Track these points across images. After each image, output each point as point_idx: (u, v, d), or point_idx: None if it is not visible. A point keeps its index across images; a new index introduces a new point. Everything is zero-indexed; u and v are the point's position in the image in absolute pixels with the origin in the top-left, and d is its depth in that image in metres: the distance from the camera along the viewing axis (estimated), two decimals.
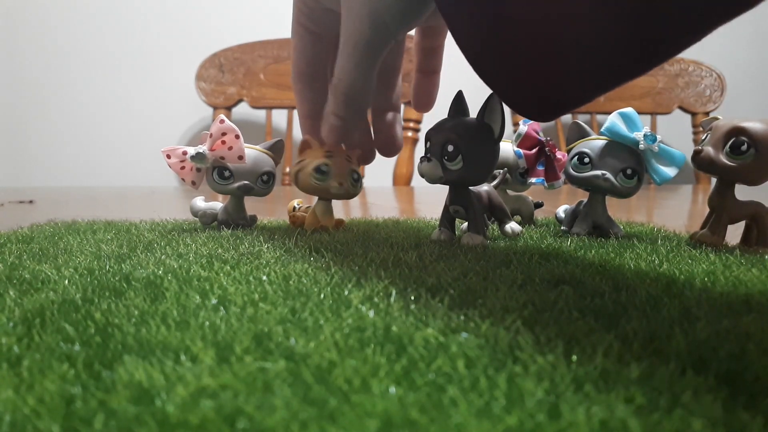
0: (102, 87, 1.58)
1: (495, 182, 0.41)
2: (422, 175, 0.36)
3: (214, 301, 0.21)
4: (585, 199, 0.42)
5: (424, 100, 0.42)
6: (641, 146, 0.38)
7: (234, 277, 0.25)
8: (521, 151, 0.43)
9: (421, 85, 0.42)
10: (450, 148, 0.34)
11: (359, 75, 0.34)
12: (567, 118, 1.52)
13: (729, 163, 0.34)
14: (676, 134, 1.43)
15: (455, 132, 0.34)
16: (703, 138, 0.36)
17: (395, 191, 1.10)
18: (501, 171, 0.43)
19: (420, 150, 1.37)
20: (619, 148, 0.38)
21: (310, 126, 0.41)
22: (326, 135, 0.38)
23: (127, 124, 1.58)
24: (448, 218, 0.38)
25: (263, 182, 0.43)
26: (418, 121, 1.34)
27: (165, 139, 1.53)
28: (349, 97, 0.35)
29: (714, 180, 0.37)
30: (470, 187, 0.36)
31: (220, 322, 0.19)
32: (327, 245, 0.34)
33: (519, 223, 0.44)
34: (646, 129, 0.38)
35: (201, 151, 0.41)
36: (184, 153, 0.42)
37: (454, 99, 0.35)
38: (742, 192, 0.36)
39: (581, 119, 1.37)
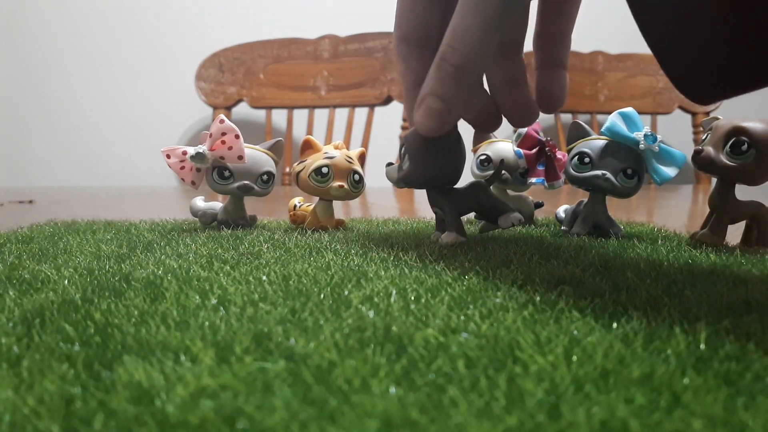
0: (102, 87, 1.58)
1: (488, 178, 0.40)
2: (387, 179, 0.37)
3: (213, 301, 0.21)
4: (585, 199, 0.42)
5: (549, 101, 0.34)
6: (641, 146, 0.38)
7: (234, 277, 0.25)
8: (521, 151, 0.43)
9: (545, 83, 0.34)
10: (402, 149, 0.35)
11: (481, 44, 0.26)
12: (567, 118, 1.52)
13: (729, 163, 0.34)
14: (676, 134, 1.42)
15: (409, 133, 0.34)
16: (704, 138, 0.36)
17: (395, 191, 1.10)
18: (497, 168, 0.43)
19: None
20: (620, 148, 0.38)
21: (414, 99, 0.33)
22: (422, 120, 0.30)
23: (126, 124, 1.58)
24: (439, 220, 0.38)
25: (263, 182, 0.43)
26: None
27: (165, 139, 1.53)
28: (461, 72, 0.27)
29: (714, 180, 0.37)
30: (456, 187, 0.37)
31: (220, 322, 0.19)
32: (327, 245, 0.34)
33: None
34: (647, 129, 0.38)
35: (201, 151, 0.41)
36: (184, 153, 0.42)
37: None
38: (743, 192, 0.36)
39: (581, 119, 1.37)
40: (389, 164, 0.37)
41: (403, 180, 0.35)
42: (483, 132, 0.38)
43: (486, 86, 0.34)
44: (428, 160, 0.34)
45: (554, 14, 0.33)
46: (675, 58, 0.23)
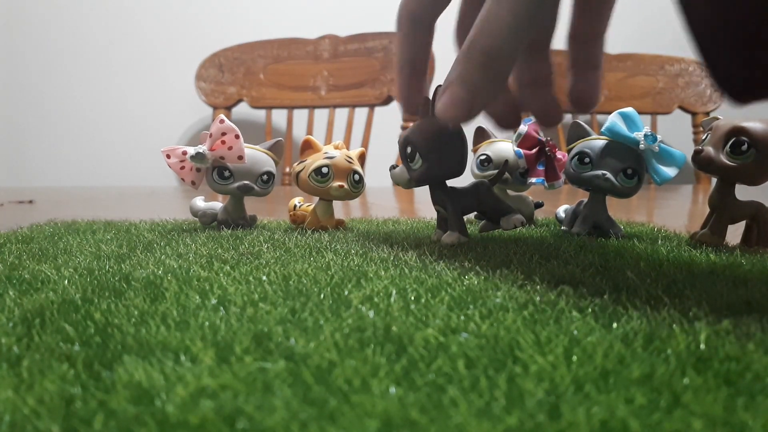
0: (102, 87, 1.58)
1: (491, 178, 0.40)
2: (394, 183, 0.37)
3: (213, 301, 0.21)
4: (585, 199, 0.42)
5: (585, 101, 0.33)
6: (641, 146, 0.38)
7: (234, 277, 0.25)
8: (521, 151, 0.43)
9: (580, 84, 0.33)
10: (408, 149, 0.34)
11: (514, 32, 0.25)
12: (567, 117, 1.52)
13: (729, 163, 0.34)
14: (676, 134, 1.42)
15: (411, 133, 0.34)
16: (704, 138, 0.36)
17: (395, 191, 1.10)
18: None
19: None
20: (620, 147, 0.38)
21: (408, 75, 0.33)
22: (445, 108, 0.28)
23: (126, 124, 1.58)
24: (441, 218, 0.38)
25: (263, 182, 0.43)
26: None
27: (165, 139, 1.53)
28: (490, 60, 0.26)
29: (714, 180, 0.37)
30: (459, 186, 0.37)
31: (220, 322, 0.19)
32: (327, 245, 0.34)
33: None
34: (647, 129, 0.38)
35: (201, 151, 0.41)
36: (184, 153, 0.42)
37: (423, 101, 0.35)
38: (743, 192, 0.36)
39: (581, 119, 1.37)
40: (393, 167, 0.37)
41: (420, 179, 0.35)
42: (502, 129, 0.37)
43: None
44: (441, 156, 0.34)
45: (590, 14, 0.33)
46: (718, 54, 0.22)
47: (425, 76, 0.34)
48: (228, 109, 1.43)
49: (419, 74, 0.34)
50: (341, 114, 1.43)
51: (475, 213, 0.43)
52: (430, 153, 0.34)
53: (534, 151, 0.43)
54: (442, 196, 0.36)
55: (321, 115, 1.44)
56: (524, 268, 0.27)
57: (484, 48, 0.26)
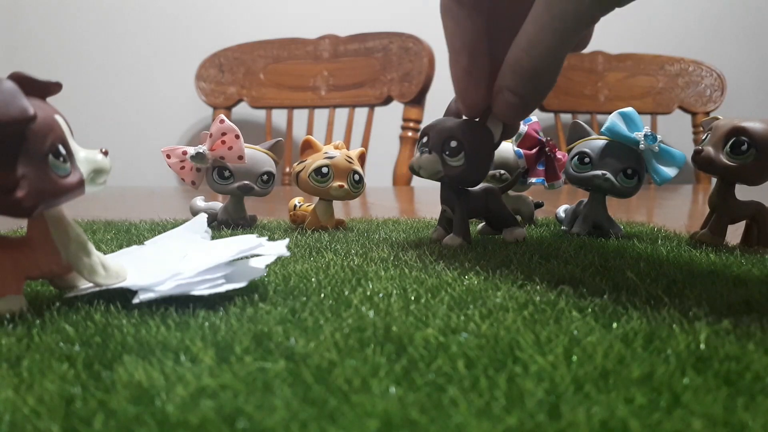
0: (102, 87, 1.58)
1: (502, 186, 0.39)
2: (417, 169, 0.34)
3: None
4: (585, 199, 0.42)
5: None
6: (641, 146, 0.38)
7: None
8: (521, 151, 0.43)
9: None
10: (453, 143, 0.32)
11: (555, 54, 0.27)
12: (567, 117, 1.52)
13: (729, 163, 0.34)
14: (676, 134, 1.42)
15: (460, 128, 0.33)
16: (704, 138, 0.36)
17: (395, 191, 1.10)
18: (500, 171, 0.42)
19: None
20: (620, 147, 0.38)
21: (467, 63, 0.30)
22: (502, 111, 0.30)
23: (126, 124, 1.58)
24: (445, 217, 0.38)
25: (263, 182, 0.43)
26: (418, 121, 1.34)
27: (165, 138, 1.53)
28: (535, 77, 0.28)
29: (714, 180, 0.37)
30: (467, 189, 0.36)
31: (220, 322, 0.19)
32: (327, 245, 0.34)
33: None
34: (647, 129, 0.38)
35: (201, 150, 0.41)
36: (184, 153, 0.42)
37: (452, 101, 0.35)
38: (743, 192, 0.36)
39: (581, 119, 1.37)
40: (426, 151, 0.34)
41: (456, 177, 0.33)
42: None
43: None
44: (483, 162, 0.33)
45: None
46: None
47: (486, 67, 0.31)
48: (228, 109, 1.43)
49: (478, 65, 0.31)
50: (341, 114, 1.43)
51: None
52: (474, 155, 0.33)
53: (534, 151, 0.43)
54: (452, 197, 0.36)
55: (321, 115, 1.44)
56: (524, 268, 0.27)
57: (532, 67, 0.28)
